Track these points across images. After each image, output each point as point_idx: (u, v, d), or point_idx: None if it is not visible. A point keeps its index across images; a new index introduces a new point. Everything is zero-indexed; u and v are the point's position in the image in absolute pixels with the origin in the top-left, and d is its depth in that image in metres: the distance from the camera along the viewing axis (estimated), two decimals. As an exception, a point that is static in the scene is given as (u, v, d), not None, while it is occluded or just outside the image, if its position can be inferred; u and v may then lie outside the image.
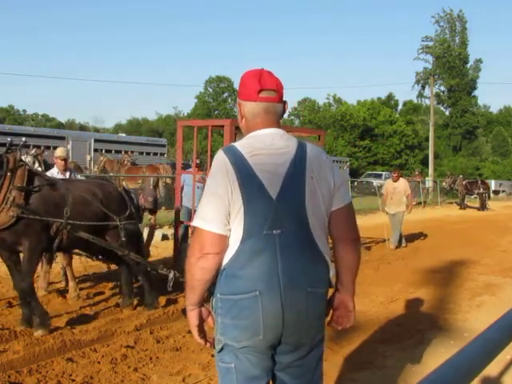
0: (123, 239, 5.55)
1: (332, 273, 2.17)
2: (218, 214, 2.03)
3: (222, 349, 2.11)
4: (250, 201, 2.03)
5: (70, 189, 5.22)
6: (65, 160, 6.86)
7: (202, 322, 2.18)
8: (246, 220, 2.02)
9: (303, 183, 2.07)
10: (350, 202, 2.20)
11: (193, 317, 2.17)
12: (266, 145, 2.12)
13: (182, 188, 8.64)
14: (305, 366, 2.19)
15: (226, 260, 2.07)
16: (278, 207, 2.04)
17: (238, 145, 2.14)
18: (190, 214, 7.98)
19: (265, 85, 2.15)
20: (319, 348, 2.22)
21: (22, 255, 5.01)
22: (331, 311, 2.25)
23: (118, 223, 5.53)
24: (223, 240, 2.05)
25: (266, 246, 2.03)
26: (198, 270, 2.08)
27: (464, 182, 26.02)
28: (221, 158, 2.09)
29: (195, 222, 2.09)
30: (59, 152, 6.96)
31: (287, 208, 2.05)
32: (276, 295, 2.01)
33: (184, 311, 5.65)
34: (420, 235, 13.43)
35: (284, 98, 2.22)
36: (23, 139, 5.72)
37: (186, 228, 8.50)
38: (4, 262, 5.17)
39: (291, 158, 2.10)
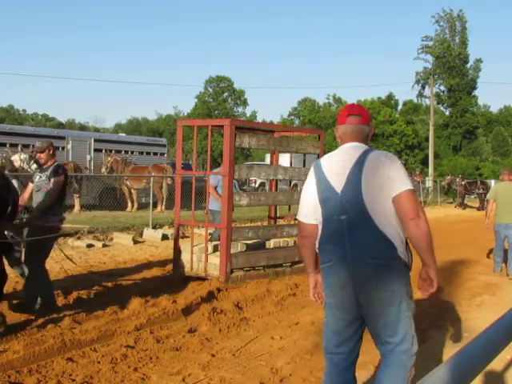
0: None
1: (400, 251, 2.73)
2: (306, 208, 2.96)
3: (324, 306, 2.93)
4: (323, 196, 2.85)
5: None
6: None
7: (315, 285, 3.04)
8: (323, 210, 2.85)
9: (360, 180, 2.74)
10: (407, 189, 2.72)
11: (309, 281, 3.08)
12: (341, 154, 2.90)
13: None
14: (382, 311, 2.77)
15: (318, 240, 2.88)
16: (342, 199, 2.78)
17: (325, 156, 3.02)
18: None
19: (351, 111, 2.98)
20: (395, 302, 2.76)
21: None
22: (420, 282, 2.79)
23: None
24: (310, 227, 2.93)
25: (337, 228, 2.78)
26: (299, 248, 3.08)
27: (463, 182, 26.04)
28: (312, 166, 2.98)
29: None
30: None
31: (349, 199, 2.76)
32: (345, 264, 2.74)
33: (183, 311, 5.66)
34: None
35: (371, 124, 3.00)
36: None
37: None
38: None
39: (353, 162, 2.79)
